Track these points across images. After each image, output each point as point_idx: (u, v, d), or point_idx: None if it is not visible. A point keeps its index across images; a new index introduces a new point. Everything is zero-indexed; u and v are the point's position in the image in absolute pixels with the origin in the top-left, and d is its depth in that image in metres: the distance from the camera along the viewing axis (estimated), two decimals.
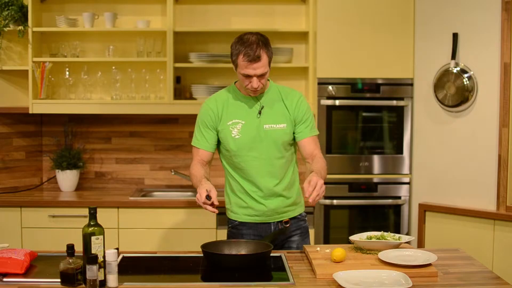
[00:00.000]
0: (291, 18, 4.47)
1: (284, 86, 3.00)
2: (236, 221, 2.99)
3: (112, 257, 2.23)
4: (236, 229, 2.99)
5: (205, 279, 2.48)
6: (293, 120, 2.91)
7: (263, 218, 2.94)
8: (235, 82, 2.96)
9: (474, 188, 3.88)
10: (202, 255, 2.68)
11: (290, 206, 2.98)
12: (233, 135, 2.85)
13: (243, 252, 2.64)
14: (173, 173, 4.40)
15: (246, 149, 2.86)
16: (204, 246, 2.58)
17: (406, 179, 4.21)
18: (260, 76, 2.78)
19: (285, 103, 2.92)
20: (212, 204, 2.62)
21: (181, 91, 4.40)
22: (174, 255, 2.81)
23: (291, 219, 2.98)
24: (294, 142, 2.96)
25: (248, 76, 2.76)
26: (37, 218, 3.99)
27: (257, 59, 2.73)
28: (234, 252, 2.64)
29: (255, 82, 2.77)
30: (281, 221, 2.96)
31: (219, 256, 2.55)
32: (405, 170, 4.21)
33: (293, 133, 2.92)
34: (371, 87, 4.16)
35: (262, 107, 2.88)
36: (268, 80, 2.92)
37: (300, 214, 3.04)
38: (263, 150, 2.86)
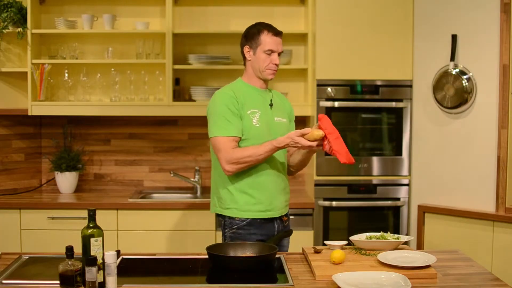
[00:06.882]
0: (290, 20, 4.47)
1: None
2: (246, 219, 2.91)
3: (111, 259, 2.23)
4: (243, 230, 2.92)
5: (205, 280, 2.48)
6: (288, 118, 3.08)
7: (272, 213, 2.93)
8: (240, 78, 3.04)
9: (473, 190, 3.88)
10: (201, 257, 2.68)
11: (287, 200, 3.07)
12: (254, 123, 2.88)
13: (249, 254, 2.62)
14: (172, 175, 4.40)
15: (263, 138, 2.86)
16: (209, 248, 2.58)
17: (405, 181, 4.21)
18: (279, 55, 2.94)
19: (282, 101, 3.09)
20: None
21: (180, 93, 4.40)
22: (173, 257, 2.81)
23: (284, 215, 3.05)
24: None
25: (271, 52, 2.90)
26: (36, 220, 3.99)
27: (280, 33, 2.94)
28: (239, 254, 2.62)
29: (277, 58, 2.91)
30: (281, 218, 2.98)
31: (226, 258, 2.54)
32: (404, 171, 4.21)
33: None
34: (370, 89, 4.16)
35: (271, 100, 3.00)
36: None
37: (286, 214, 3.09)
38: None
